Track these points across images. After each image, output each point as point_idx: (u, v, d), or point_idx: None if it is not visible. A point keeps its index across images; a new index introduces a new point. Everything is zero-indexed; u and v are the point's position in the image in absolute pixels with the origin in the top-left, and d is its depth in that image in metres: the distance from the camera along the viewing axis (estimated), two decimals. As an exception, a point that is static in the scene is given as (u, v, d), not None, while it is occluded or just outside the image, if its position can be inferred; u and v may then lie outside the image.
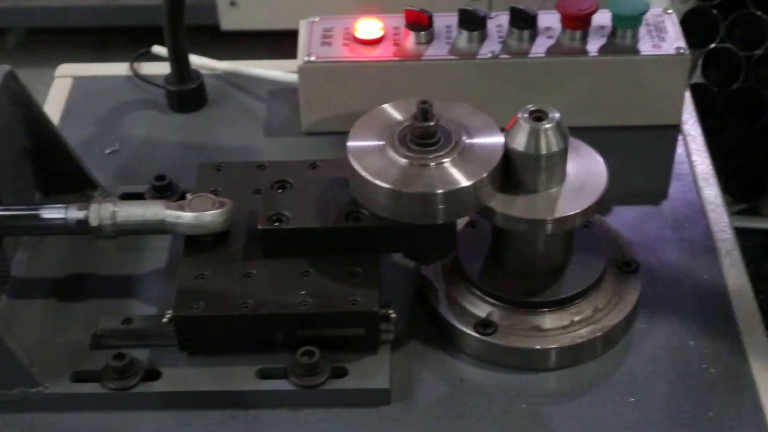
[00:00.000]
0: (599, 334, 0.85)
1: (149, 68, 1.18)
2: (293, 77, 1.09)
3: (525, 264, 0.87)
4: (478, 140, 0.82)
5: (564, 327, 0.85)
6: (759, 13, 1.71)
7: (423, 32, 1.05)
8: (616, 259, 0.90)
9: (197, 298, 0.82)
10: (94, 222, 0.85)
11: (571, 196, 0.82)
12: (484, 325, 0.85)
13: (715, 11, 1.73)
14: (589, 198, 0.82)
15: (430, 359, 0.86)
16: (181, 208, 0.85)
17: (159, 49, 1.17)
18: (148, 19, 2.43)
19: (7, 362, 0.80)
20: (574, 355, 0.85)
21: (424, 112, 0.81)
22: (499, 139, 0.82)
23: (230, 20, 2.48)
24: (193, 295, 0.82)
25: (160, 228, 0.85)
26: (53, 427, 0.82)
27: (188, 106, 1.12)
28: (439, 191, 0.79)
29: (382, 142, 0.82)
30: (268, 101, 1.14)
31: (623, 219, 0.96)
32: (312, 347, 0.81)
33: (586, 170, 0.84)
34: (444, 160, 0.81)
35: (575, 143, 0.85)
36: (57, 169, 0.96)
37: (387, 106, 0.86)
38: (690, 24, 1.69)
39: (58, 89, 1.16)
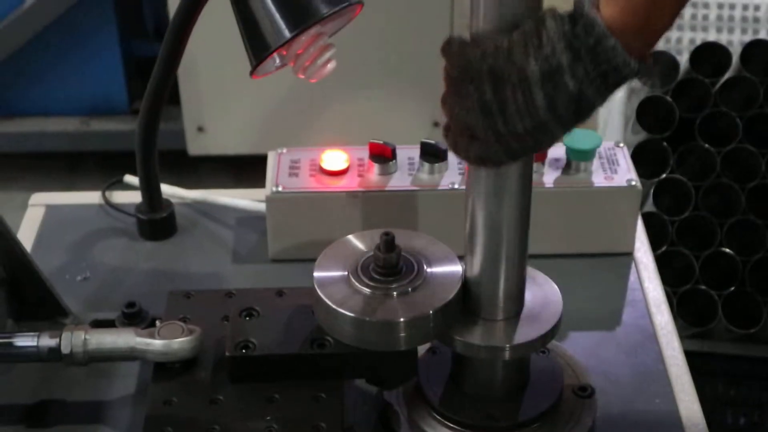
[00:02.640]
0: (556, 457, 0.88)
1: (120, 197, 1.22)
2: (261, 206, 1.13)
3: (484, 389, 0.90)
4: (438, 269, 0.87)
5: (522, 451, 0.88)
6: (707, 145, 1.79)
7: (386, 164, 1.10)
8: (572, 384, 0.93)
9: (165, 423, 0.84)
10: (65, 349, 0.87)
11: (528, 323, 0.86)
12: (445, 450, 0.88)
13: (665, 143, 1.81)
14: (545, 325, 0.86)
15: (392, 483, 0.88)
16: (151, 336, 0.88)
17: (130, 179, 1.21)
18: (117, 145, 2.49)
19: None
20: (533, 479, 0.87)
21: (387, 243, 0.85)
22: (457, 268, 0.86)
23: (198, 146, 2.53)
24: (161, 421, 0.84)
25: (130, 355, 0.88)
26: None
27: (159, 234, 1.16)
28: (401, 319, 0.83)
29: (346, 272, 0.86)
30: (236, 229, 1.18)
31: (579, 344, 1.00)
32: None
33: (543, 298, 0.88)
34: (405, 289, 0.85)
35: (532, 272, 0.89)
36: (29, 296, 0.98)
37: (351, 237, 0.90)
38: (641, 155, 1.76)
39: (30, 217, 1.19)
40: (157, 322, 0.90)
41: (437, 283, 0.85)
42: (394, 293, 0.84)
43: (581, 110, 0.72)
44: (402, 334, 0.83)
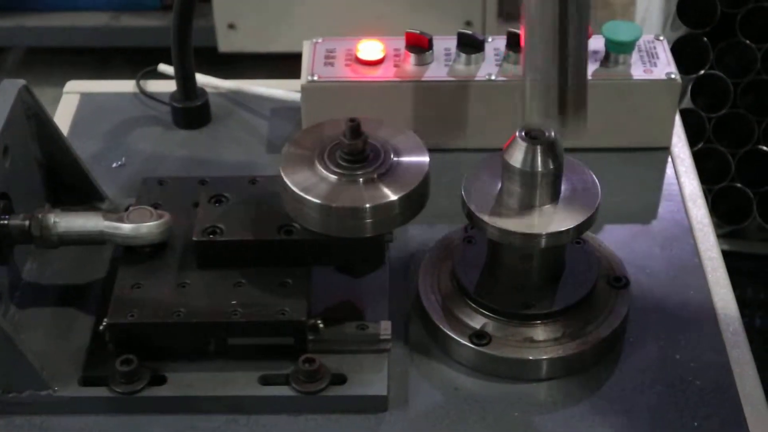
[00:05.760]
0: (589, 346, 0.88)
1: (154, 86, 1.22)
2: (295, 96, 1.13)
3: (519, 277, 0.90)
4: (405, 158, 0.87)
5: (556, 339, 0.88)
6: (747, 41, 1.76)
7: (423, 54, 1.08)
8: (606, 275, 0.93)
9: (132, 306, 0.85)
10: (35, 231, 0.88)
11: (565, 212, 0.86)
12: (479, 336, 0.88)
13: (705, 39, 1.77)
14: (582, 214, 0.85)
15: (426, 368, 0.89)
16: (120, 220, 0.89)
17: (165, 68, 1.20)
18: (147, 41, 2.47)
19: (18, 365, 0.83)
20: (565, 367, 0.88)
21: (353, 130, 0.85)
22: (424, 158, 0.87)
23: (228, 43, 2.52)
24: (128, 304, 0.85)
25: (100, 238, 0.89)
26: (61, 430, 0.84)
27: (193, 123, 1.16)
28: (367, 205, 0.83)
29: (313, 159, 0.86)
30: (271, 119, 1.17)
31: (614, 237, 1.00)
32: (313, 355, 0.84)
33: (580, 188, 0.88)
34: (372, 176, 0.85)
35: (570, 162, 0.88)
36: (66, 180, 0.99)
37: (321, 124, 0.90)
38: (680, 51, 1.74)
39: (65, 105, 1.19)
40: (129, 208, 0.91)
41: (404, 171, 0.85)
42: (360, 180, 0.84)
43: None
44: (367, 221, 0.84)
